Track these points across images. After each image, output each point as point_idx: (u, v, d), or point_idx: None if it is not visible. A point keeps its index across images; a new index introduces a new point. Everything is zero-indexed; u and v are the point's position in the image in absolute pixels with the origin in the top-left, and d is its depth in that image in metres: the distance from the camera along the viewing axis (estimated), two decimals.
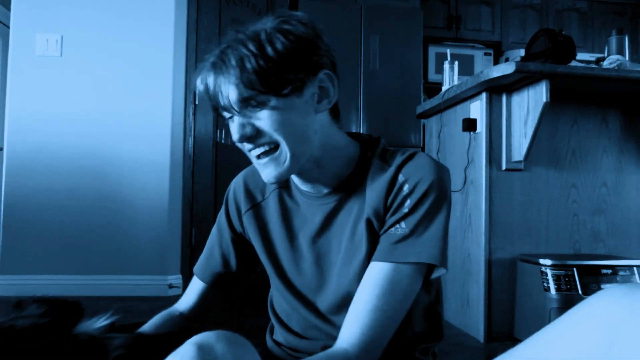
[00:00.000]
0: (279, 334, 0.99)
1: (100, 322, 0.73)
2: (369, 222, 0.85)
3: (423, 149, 3.48)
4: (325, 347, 0.82)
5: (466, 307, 2.24)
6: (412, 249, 0.81)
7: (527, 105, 2.01)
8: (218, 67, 0.79)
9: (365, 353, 0.78)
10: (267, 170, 0.82)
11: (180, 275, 3.07)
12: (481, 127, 2.16)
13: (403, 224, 0.82)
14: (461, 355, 1.95)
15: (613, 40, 2.33)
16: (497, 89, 2.14)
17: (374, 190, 0.86)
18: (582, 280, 1.93)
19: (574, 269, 1.94)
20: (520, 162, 2.12)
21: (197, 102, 3.27)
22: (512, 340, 2.07)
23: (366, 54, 3.63)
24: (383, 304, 0.79)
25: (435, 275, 0.84)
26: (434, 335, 0.95)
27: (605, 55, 2.31)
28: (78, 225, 2.92)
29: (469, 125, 2.21)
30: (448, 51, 2.92)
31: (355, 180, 0.89)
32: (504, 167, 2.13)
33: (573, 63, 2.10)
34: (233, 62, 0.77)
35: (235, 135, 0.81)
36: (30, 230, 2.89)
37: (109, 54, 2.99)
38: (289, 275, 0.93)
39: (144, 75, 3.01)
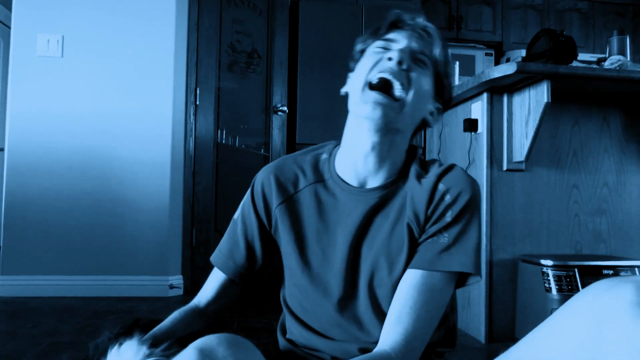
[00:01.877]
0: (295, 332, 0.97)
1: None
2: (409, 227, 0.87)
3: (424, 150, 3.48)
4: (362, 349, 0.85)
5: (467, 307, 2.24)
6: (455, 258, 0.85)
7: (528, 106, 2.01)
8: (423, 27, 0.92)
9: (406, 357, 0.80)
10: (377, 104, 0.85)
11: (181, 276, 3.07)
12: (482, 127, 2.16)
13: (446, 234, 0.86)
14: (462, 355, 1.94)
15: (614, 40, 2.32)
16: (498, 90, 2.13)
17: (415, 195, 0.89)
18: (583, 280, 1.93)
19: (575, 270, 1.94)
20: (521, 162, 2.12)
21: (198, 103, 3.27)
22: (513, 340, 2.06)
23: None
24: (424, 311, 0.82)
25: (471, 283, 0.88)
26: (448, 343, 0.98)
27: (607, 55, 2.30)
28: (79, 225, 2.92)
29: (470, 125, 2.21)
30: (449, 51, 2.91)
31: (398, 182, 0.91)
32: (505, 168, 2.13)
33: (574, 63, 2.10)
34: (435, 34, 0.91)
35: (395, 53, 0.86)
36: (31, 231, 2.89)
37: (110, 54, 2.99)
38: (318, 271, 0.92)
39: (145, 75, 3.01)
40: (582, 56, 2.46)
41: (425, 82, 0.89)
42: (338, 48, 3.54)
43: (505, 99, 2.14)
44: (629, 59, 2.24)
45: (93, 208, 2.93)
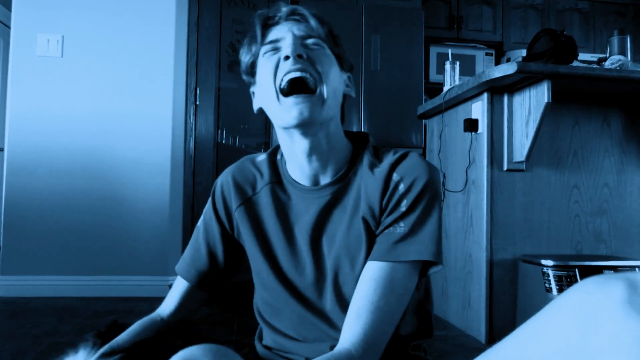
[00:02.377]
0: (269, 338, 0.97)
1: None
2: (365, 221, 0.86)
3: (424, 150, 3.48)
4: (333, 347, 0.82)
5: (467, 307, 2.24)
6: (412, 247, 0.82)
7: (529, 106, 2.01)
8: (287, 13, 0.88)
9: (368, 353, 0.78)
10: (302, 105, 0.82)
11: None
12: (482, 127, 2.16)
13: (402, 223, 0.84)
14: (462, 356, 1.94)
15: (615, 40, 2.32)
16: (499, 90, 2.13)
17: (368, 187, 0.87)
18: None
19: (576, 270, 1.93)
20: (521, 162, 2.11)
21: (198, 103, 3.27)
22: None
23: (367, 54, 3.63)
24: (384, 304, 0.80)
25: (432, 271, 0.87)
26: (424, 333, 0.96)
27: (607, 55, 2.30)
28: (79, 225, 2.92)
29: (471, 125, 2.21)
30: (449, 51, 2.91)
31: (349, 175, 0.90)
32: (505, 168, 2.13)
33: (575, 63, 2.10)
34: (307, 13, 0.88)
35: (288, 49, 0.83)
36: (31, 231, 2.89)
37: (110, 54, 2.99)
38: (285, 270, 0.91)
39: (145, 75, 3.01)
40: (582, 56, 2.46)
41: (327, 60, 0.87)
42: None
43: (505, 99, 2.13)
44: (629, 59, 2.23)
45: (93, 208, 2.93)
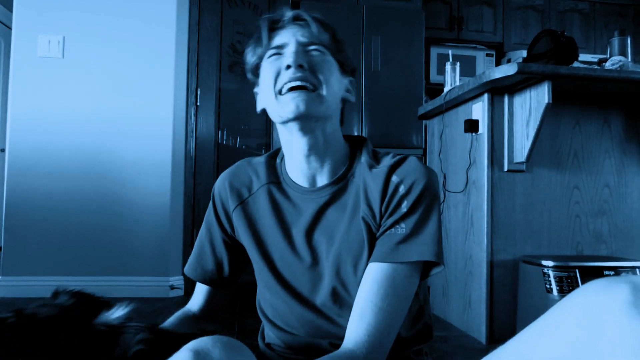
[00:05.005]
0: (272, 335, 0.98)
1: (119, 312, 0.74)
2: (365, 222, 0.87)
3: (425, 150, 3.48)
4: (335, 345, 0.84)
5: (468, 308, 2.24)
6: (414, 248, 0.83)
7: (529, 107, 2.01)
8: (292, 18, 0.90)
9: (372, 354, 0.78)
10: (298, 99, 0.84)
11: (182, 277, 3.07)
12: (483, 128, 2.16)
13: (403, 224, 0.85)
14: (463, 356, 1.94)
15: (615, 41, 2.32)
16: (499, 90, 2.13)
17: (368, 188, 0.88)
18: (584, 281, 1.91)
19: (576, 271, 1.93)
20: (522, 163, 2.11)
21: (198, 103, 3.27)
22: None
23: (368, 55, 3.63)
24: (387, 304, 0.81)
25: (434, 272, 0.88)
26: (425, 336, 0.97)
27: (608, 56, 2.30)
28: (80, 226, 2.92)
29: (471, 126, 2.21)
30: (450, 52, 2.92)
31: (347, 176, 0.92)
32: (506, 169, 2.13)
33: (575, 64, 2.10)
34: (310, 19, 0.89)
35: (290, 58, 0.85)
36: (31, 232, 2.89)
37: (111, 55, 2.99)
38: (281, 269, 0.93)
39: (146, 76, 3.02)
40: (583, 57, 2.46)
41: (328, 66, 0.88)
42: None
43: (506, 99, 2.14)
44: (630, 59, 2.23)
45: (94, 209, 2.93)
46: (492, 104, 2.14)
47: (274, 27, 0.90)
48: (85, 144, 2.94)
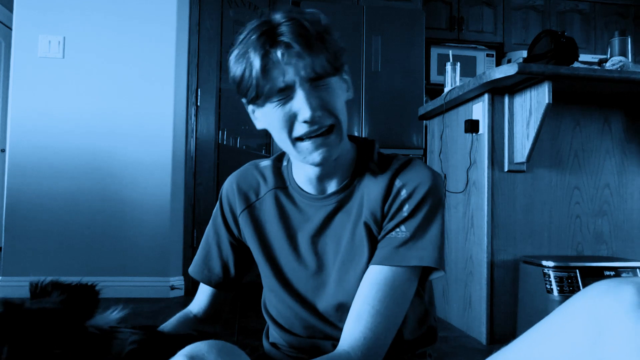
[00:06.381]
0: (276, 335, 0.98)
1: (114, 314, 0.74)
2: (367, 226, 0.87)
3: (425, 151, 3.48)
4: (335, 346, 0.83)
5: (468, 308, 2.24)
6: (413, 253, 0.83)
7: (530, 107, 2.01)
8: (285, 46, 0.78)
9: (367, 357, 0.78)
10: (322, 149, 0.82)
11: (182, 277, 3.07)
12: (483, 128, 2.16)
13: (403, 228, 0.84)
14: (463, 357, 1.94)
15: (616, 41, 2.32)
16: (500, 91, 2.13)
17: (371, 194, 0.88)
18: (584, 281, 1.92)
19: (577, 271, 1.93)
20: (522, 163, 2.11)
21: (199, 104, 3.27)
22: None
23: (368, 55, 3.63)
24: (384, 307, 0.80)
25: (433, 277, 0.87)
26: (429, 339, 0.97)
27: (608, 56, 2.30)
28: (80, 226, 2.92)
29: (471, 126, 2.21)
30: (450, 52, 2.91)
31: (354, 183, 0.91)
32: (506, 169, 2.13)
33: (575, 64, 2.10)
34: (302, 43, 0.78)
35: (306, 112, 0.79)
36: (32, 232, 2.89)
37: (111, 55, 2.99)
38: (286, 274, 0.93)
39: (146, 76, 3.01)
40: (583, 57, 2.46)
41: (334, 92, 0.83)
42: None
43: (506, 100, 2.13)
44: (630, 60, 2.23)
45: (94, 209, 2.93)
46: (492, 104, 2.14)
47: (269, 56, 0.79)
48: (85, 144, 2.94)
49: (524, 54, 3.87)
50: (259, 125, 0.91)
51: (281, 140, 0.85)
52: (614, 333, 0.54)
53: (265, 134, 3.46)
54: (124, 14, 3.01)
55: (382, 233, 0.86)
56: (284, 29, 0.78)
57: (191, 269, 1.02)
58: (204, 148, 3.29)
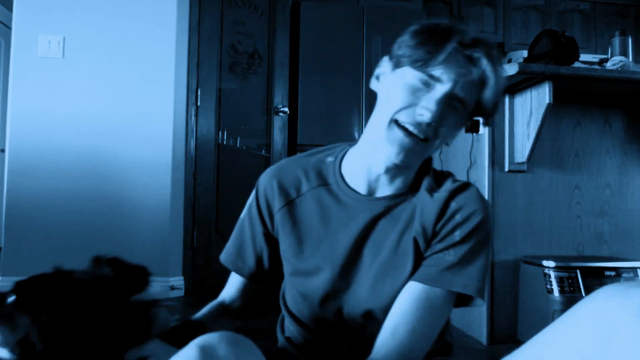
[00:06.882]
0: (292, 329, 0.98)
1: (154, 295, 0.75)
2: (415, 240, 0.86)
3: None
4: (350, 345, 0.86)
5: (469, 309, 2.23)
6: (458, 278, 0.84)
7: (530, 107, 2.01)
8: (478, 60, 0.82)
9: None
10: (405, 150, 0.82)
11: (182, 277, 3.07)
12: (484, 128, 2.16)
13: (452, 252, 0.85)
14: (463, 357, 1.94)
15: (616, 41, 2.32)
16: None
17: (425, 209, 0.87)
18: (585, 282, 1.92)
19: (577, 271, 1.93)
20: (523, 163, 2.11)
21: (199, 104, 3.27)
22: (515, 342, 2.06)
23: (368, 56, 3.63)
24: (422, 326, 0.82)
25: (473, 305, 0.88)
26: (443, 353, 0.98)
27: (609, 56, 2.30)
28: (80, 226, 2.92)
29: (472, 126, 2.20)
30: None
31: (409, 193, 0.90)
32: (506, 169, 2.13)
33: (576, 64, 2.10)
34: (493, 77, 0.83)
35: (428, 113, 0.80)
36: (32, 232, 2.88)
37: (111, 55, 2.99)
38: (315, 272, 0.92)
39: (146, 76, 3.01)
40: (583, 57, 2.46)
41: (455, 122, 0.85)
42: (339, 49, 3.54)
43: (507, 99, 2.13)
44: (631, 59, 2.23)
45: (94, 209, 2.93)
46: None
47: (464, 44, 0.81)
48: (85, 144, 2.94)
49: (525, 53, 3.86)
50: (374, 86, 0.92)
51: (382, 114, 0.85)
52: (621, 337, 0.54)
53: (265, 133, 3.46)
54: (123, 14, 3.01)
55: (430, 252, 0.86)
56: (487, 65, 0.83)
57: (223, 257, 1.00)
58: (204, 148, 3.28)
